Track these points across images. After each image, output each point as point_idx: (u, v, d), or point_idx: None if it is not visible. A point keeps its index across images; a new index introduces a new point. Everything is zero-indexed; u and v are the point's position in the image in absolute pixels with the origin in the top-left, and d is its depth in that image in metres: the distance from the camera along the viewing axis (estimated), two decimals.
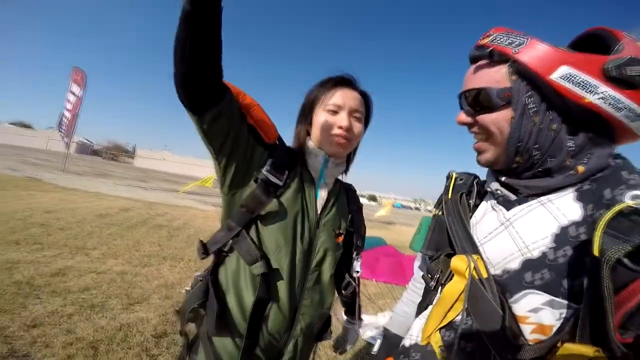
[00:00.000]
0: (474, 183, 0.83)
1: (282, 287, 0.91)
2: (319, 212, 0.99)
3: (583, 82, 0.56)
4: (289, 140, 1.05)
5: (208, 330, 0.89)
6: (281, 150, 0.97)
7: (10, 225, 4.46)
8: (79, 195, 8.40)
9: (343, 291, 1.10)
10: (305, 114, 1.03)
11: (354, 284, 1.09)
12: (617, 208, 0.51)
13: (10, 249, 3.64)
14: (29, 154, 23.78)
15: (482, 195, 0.80)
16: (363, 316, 1.25)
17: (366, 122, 1.06)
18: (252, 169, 0.91)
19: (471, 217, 0.77)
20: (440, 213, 0.82)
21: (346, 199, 1.11)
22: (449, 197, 0.82)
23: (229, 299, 0.91)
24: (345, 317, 1.30)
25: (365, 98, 1.04)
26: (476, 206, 0.79)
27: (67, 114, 15.62)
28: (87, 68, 16.22)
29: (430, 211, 1.10)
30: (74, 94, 15.51)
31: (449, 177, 0.86)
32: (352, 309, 1.24)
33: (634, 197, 0.53)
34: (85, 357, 2.03)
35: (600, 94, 0.56)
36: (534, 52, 0.60)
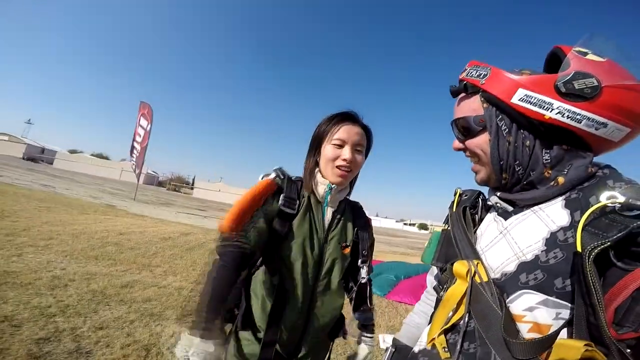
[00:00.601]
0: (479, 199, 0.88)
1: (296, 292, 1.06)
2: (326, 228, 1.14)
3: (539, 101, 0.62)
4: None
5: (237, 325, 1.09)
6: (289, 185, 1.13)
7: (90, 243, 5.10)
8: (147, 220, 9.26)
9: (351, 296, 1.24)
10: (315, 147, 1.16)
11: (355, 287, 1.20)
12: (593, 208, 0.55)
13: (90, 262, 4.17)
14: (106, 184, 26.80)
15: (488, 209, 0.85)
16: (386, 336, 1.29)
17: (367, 152, 1.21)
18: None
19: (476, 229, 0.82)
20: (448, 227, 0.87)
21: (352, 215, 1.24)
22: (454, 210, 0.87)
23: (254, 303, 1.09)
24: (359, 332, 1.33)
25: (367, 131, 1.17)
26: (482, 220, 0.84)
27: (137, 147, 16.11)
28: (150, 101, 16.39)
29: None
30: (142, 127, 15.82)
31: (455, 193, 0.92)
32: (365, 325, 1.31)
33: (609, 197, 0.56)
34: (138, 357, 2.26)
35: (556, 109, 0.61)
36: (494, 81, 0.67)
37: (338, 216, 1.18)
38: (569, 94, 0.60)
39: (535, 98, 0.62)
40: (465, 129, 0.75)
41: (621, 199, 0.54)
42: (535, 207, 0.68)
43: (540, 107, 0.62)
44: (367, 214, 1.33)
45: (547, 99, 0.61)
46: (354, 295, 1.21)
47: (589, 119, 0.60)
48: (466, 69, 0.74)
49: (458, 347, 0.67)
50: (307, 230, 1.10)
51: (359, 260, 1.18)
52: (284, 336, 1.06)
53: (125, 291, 3.41)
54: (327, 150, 1.11)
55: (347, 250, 1.16)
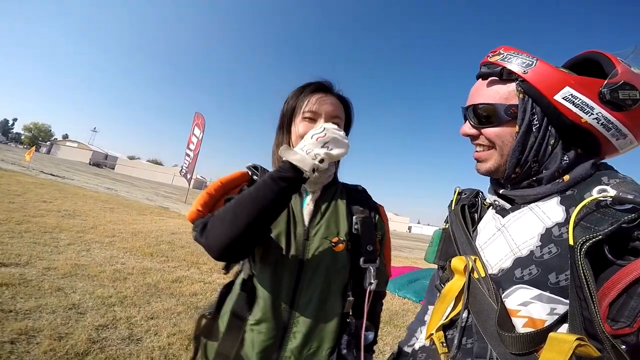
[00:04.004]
0: (478, 197, 0.88)
1: (265, 303, 0.86)
2: (306, 223, 0.93)
3: (582, 103, 0.61)
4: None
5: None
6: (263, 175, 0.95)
7: (147, 241, 5.57)
8: None
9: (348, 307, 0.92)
10: (284, 124, 1.00)
11: (350, 298, 0.91)
12: (584, 202, 0.56)
13: (146, 259, 4.57)
14: (160, 188, 29.05)
15: (487, 207, 0.85)
16: None
17: (348, 127, 1.04)
18: None
19: (476, 227, 0.82)
20: (448, 226, 0.88)
21: (348, 202, 1.00)
22: (452, 208, 0.89)
23: (224, 308, 0.94)
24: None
25: (344, 103, 1.01)
26: (481, 218, 0.85)
27: (190, 154, 17.17)
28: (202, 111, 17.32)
29: None
30: (195, 136, 16.86)
31: (454, 192, 0.93)
32: (366, 346, 0.94)
33: (600, 191, 0.56)
34: (181, 345, 2.46)
35: (595, 115, 0.61)
36: (541, 73, 0.64)
37: (324, 205, 0.97)
38: (610, 102, 0.60)
39: (579, 99, 0.61)
40: (487, 117, 0.71)
41: (612, 192, 0.54)
42: (532, 204, 0.68)
43: (581, 110, 0.61)
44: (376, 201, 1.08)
45: (590, 103, 0.61)
46: (349, 308, 0.91)
47: (616, 128, 0.61)
48: (501, 53, 0.70)
49: (456, 342, 0.69)
50: (284, 225, 0.90)
51: (361, 259, 0.91)
52: (251, 357, 0.85)
53: (175, 285, 3.70)
54: (299, 126, 0.93)
55: (341, 247, 0.90)
